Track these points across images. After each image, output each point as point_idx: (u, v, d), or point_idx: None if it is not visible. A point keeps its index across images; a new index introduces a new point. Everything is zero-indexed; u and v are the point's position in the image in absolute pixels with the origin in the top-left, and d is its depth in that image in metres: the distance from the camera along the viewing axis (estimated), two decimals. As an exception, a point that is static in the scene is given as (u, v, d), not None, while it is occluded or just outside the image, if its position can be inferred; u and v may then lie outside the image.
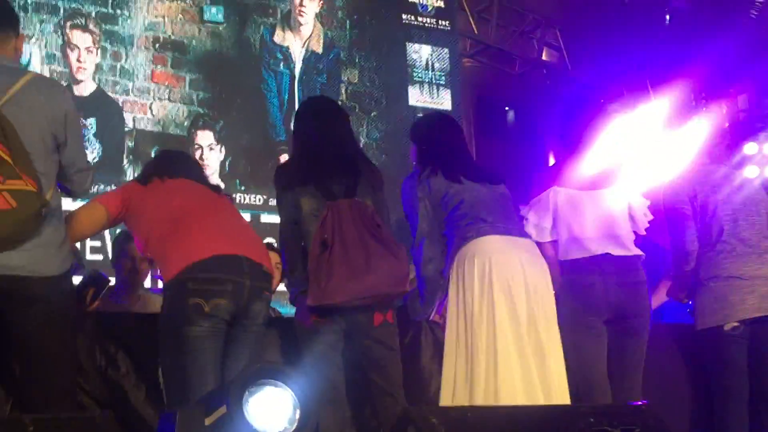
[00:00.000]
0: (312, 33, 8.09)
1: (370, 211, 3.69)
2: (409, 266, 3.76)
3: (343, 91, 8.12)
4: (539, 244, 4.17)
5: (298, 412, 2.67)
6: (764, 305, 4.44)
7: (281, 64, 7.89)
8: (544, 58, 10.86)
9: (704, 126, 5.67)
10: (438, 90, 8.58)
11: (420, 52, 8.62)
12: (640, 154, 5.28)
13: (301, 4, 8.06)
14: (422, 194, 4.00)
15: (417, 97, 8.45)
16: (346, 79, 8.17)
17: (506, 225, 3.95)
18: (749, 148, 10.35)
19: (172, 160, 3.79)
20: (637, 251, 4.35)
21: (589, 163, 4.12)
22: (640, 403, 3.00)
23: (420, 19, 8.74)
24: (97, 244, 6.62)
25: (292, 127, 4.07)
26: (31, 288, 3.03)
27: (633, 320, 4.26)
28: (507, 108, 18.34)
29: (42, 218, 3.03)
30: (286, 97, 7.83)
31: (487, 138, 17.50)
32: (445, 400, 3.78)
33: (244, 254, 3.36)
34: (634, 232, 4.43)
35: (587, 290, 4.19)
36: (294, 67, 7.94)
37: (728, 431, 4.37)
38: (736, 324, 4.43)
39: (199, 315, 3.22)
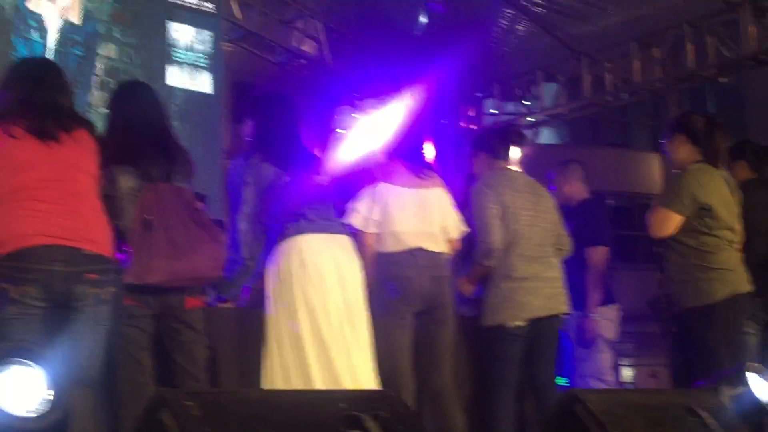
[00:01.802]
0: (70, 3, 7.75)
1: (189, 195, 3.80)
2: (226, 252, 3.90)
3: (99, 65, 7.83)
4: (361, 234, 4.39)
5: (49, 392, 2.60)
6: (547, 305, 4.82)
7: (33, 32, 7.50)
8: (304, 48, 10.94)
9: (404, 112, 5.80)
10: (198, 72, 8.46)
11: (181, 32, 8.45)
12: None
13: (59, -28, 7.70)
14: (250, 179, 4.10)
15: (177, 78, 8.29)
16: (103, 53, 7.87)
17: (325, 222, 4.11)
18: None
19: (31, 82, 3.64)
20: (446, 248, 4.62)
21: (341, 155, 4.23)
22: (386, 390, 3.12)
23: (184, -1, 8.57)
24: None
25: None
26: None
27: (442, 311, 4.55)
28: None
29: None
30: (39, 67, 7.45)
31: (241, 124, 17.51)
32: (266, 385, 3.93)
33: (58, 242, 3.39)
34: None
35: (403, 282, 4.43)
36: (47, 36, 7.57)
37: (497, 418, 4.64)
38: (521, 323, 4.76)
39: (6, 299, 3.30)
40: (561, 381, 5.52)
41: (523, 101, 11.44)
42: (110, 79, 7.78)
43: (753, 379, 4.02)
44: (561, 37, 10.13)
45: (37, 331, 3.33)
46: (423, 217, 4.57)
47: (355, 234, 4.41)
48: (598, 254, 5.98)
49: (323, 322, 3.96)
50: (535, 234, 4.87)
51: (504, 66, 10.85)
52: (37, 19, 7.55)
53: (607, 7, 9.53)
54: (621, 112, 21.42)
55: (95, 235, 3.52)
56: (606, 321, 6.02)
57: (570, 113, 11.41)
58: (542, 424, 3.66)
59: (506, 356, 4.77)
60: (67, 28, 7.72)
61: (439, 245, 4.60)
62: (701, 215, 4.61)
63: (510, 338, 4.75)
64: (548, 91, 11.18)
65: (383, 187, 4.56)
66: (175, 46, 8.37)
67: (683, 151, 4.84)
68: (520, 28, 10.33)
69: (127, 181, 3.71)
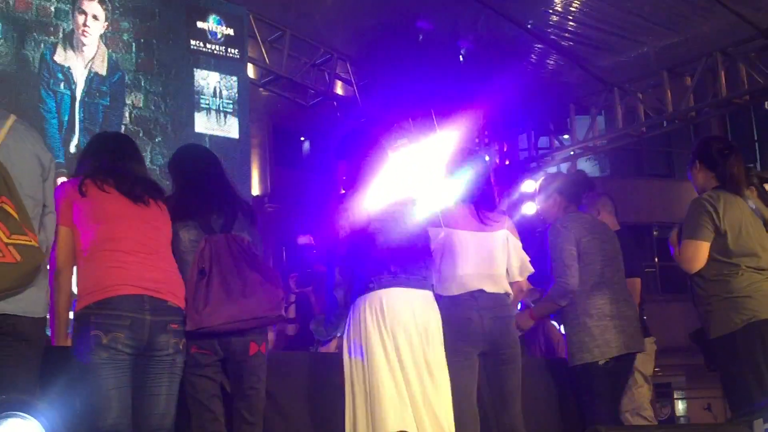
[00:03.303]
0: (96, 54, 7.87)
1: (246, 242, 3.97)
2: (283, 292, 4.06)
3: (127, 114, 7.93)
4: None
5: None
6: (629, 343, 5.06)
7: (62, 85, 7.63)
8: (337, 91, 11.01)
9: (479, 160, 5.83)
10: (225, 117, 8.52)
11: (208, 79, 8.54)
12: (425, 185, 5.43)
13: (84, 24, 7.84)
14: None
15: (204, 124, 8.36)
16: (130, 102, 7.98)
17: (407, 276, 4.14)
18: (527, 186, 10.93)
19: (111, 152, 3.92)
20: (508, 289, 4.71)
21: (378, 196, 4.21)
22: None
23: (209, 46, 8.67)
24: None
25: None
26: (21, 326, 3.28)
27: (507, 351, 4.61)
28: (302, 138, 18.56)
29: (40, 270, 3.30)
30: (66, 118, 7.57)
31: (284, 167, 17.64)
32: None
33: (146, 293, 3.59)
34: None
35: (465, 323, 4.50)
36: (75, 89, 7.69)
37: None
38: (607, 360, 4.97)
39: (98, 345, 3.47)
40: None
41: (557, 136, 11.39)
42: (138, 128, 7.89)
43: (787, 412, 3.90)
44: (591, 69, 10.05)
45: (125, 376, 3.53)
46: (485, 259, 4.64)
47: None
48: (632, 286, 5.86)
49: (399, 373, 3.98)
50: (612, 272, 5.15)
51: (536, 101, 10.79)
52: (65, 72, 7.70)
53: (637, 37, 9.45)
54: (664, 141, 21.30)
55: (175, 288, 3.75)
56: (642, 354, 5.88)
57: (605, 145, 11.31)
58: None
59: (598, 393, 5.01)
60: (94, 79, 7.86)
61: (501, 287, 4.68)
62: (717, 241, 4.52)
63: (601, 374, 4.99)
64: (582, 124, 11.11)
65: (447, 232, 4.61)
66: (201, 93, 8.46)
67: (701, 177, 4.79)
68: (551, 62, 10.28)
69: (189, 235, 3.94)
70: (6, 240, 3.16)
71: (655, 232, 21.07)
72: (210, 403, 3.88)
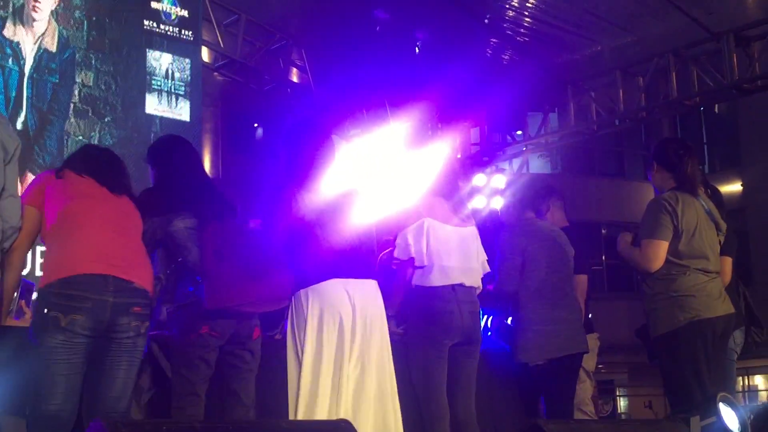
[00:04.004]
0: (46, 30, 7.70)
1: (247, 230, 4.08)
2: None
3: (76, 93, 7.77)
4: (405, 267, 4.55)
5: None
6: (566, 346, 5.17)
7: (10, 60, 7.45)
8: (291, 78, 10.95)
9: (439, 154, 5.86)
10: (177, 100, 8.40)
11: (160, 60, 8.42)
12: (377, 179, 5.45)
13: (35, 0, 7.67)
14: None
15: (155, 106, 8.24)
16: (80, 80, 7.81)
17: (349, 267, 4.13)
18: (478, 179, 10.97)
19: (91, 156, 3.91)
20: (480, 284, 4.77)
21: (324, 188, 4.19)
22: (339, 420, 3.05)
23: (162, 26, 8.52)
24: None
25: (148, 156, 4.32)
26: None
27: (475, 345, 4.68)
28: (256, 125, 18.41)
29: None
30: (14, 94, 7.40)
31: (236, 153, 17.49)
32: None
33: (112, 273, 3.52)
34: None
35: (447, 315, 4.53)
36: (24, 64, 7.52)
37: None
38: (546, 361, 5.11)
39: (55, 327, 3.39)
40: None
41: (510, 131, 11.44)
42: (87, 107, 7.74)
43: (724, 409, 3.96)
44: (546, 66, 10.12)
45: (79, 360, 3.46)
46: (464, 253, 4.70)
47: (397, 268, 4.57)
48: (579, 283, 5.90)
49: (335, 363, 3.96)
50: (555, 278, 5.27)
51: (489, 95, 10.83)
52: (14, 47, 7.51)
53: (592, 36, 9.52)
54: (615, 141, 21.48)
55: (141, 270, 3.68)
56: (586, 350, 5.93)
57: (557, 142, 11.38)
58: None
59: (539, 390, 5.24)
60: (44, 56, 7.69)
61: (475, 281, 4.74)
62: (672, 242, 4.57)
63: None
64: (534, 121, 11.17)
65: (430, 223, 4.64)
66: (153, 74, 8.34)
67: (658, 178, 4.84)
68: (506, 57, 10.33)
69: (184, 223, 3.94)
70: None
71: (603, 231, 21.22)
72: (200, 387, 3.89)
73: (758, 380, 22.13)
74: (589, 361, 6.01)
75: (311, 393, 3.87)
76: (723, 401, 3.96)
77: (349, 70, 10.48)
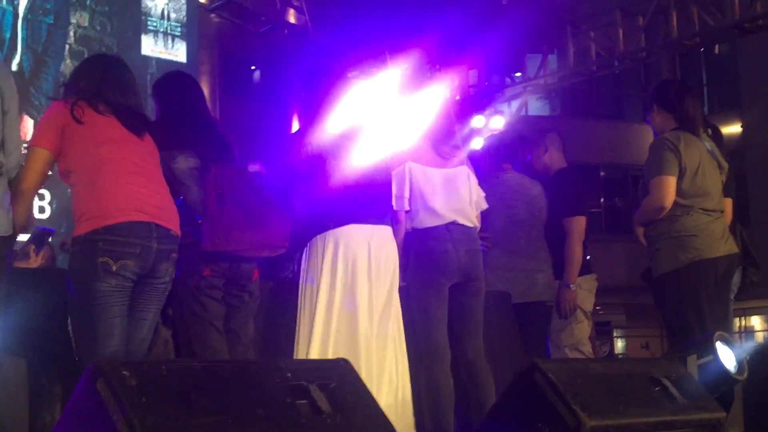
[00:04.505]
0: (40, -31, 7.64)
1: (249, 174, 4.08)
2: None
3: (71, 34, 7.71)
4: (395, 212, 4.51)
5: None
6: (520, 293, 5.49)
7: (4, 1, 7.38)
8: (288, 19, 10.84)
9: (437, 96, 5.85)
10: (173, 41, 8.34)
11: (156, 1, 8.33)
12: (380, 120, 5.49)
13: (30, -60, 7.57)
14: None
15: (151, 47, 8.18)
16: (75, 21, 7.74)
17: (366, 212, 4.17)
18: (477, 121, 10.92)
19: (107, 76, 3.79)
20: (476, 222, 4.78)
21: (333, 128, 4.19)
22: (337, 359, 3.05)
23: (157, -34, 8.44)
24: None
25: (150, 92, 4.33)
26: None
27: (476, 282, 4.67)
28: (253, 67, 18.29)
29: None
30: (8, 35, 7.34)
31: (232, 96, 17.40)
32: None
33: (153, 221, 3.57)
34: None
35: (441, 255, 4.54)
36: (18, 5, 7.44)
37: None
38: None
39: (107, 272, 3.44)
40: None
41: (508, 73, 11.37)
42: (83, 48, 7.67)
43: (721, 348, 3.98)
44: (545, 7, 10.02)
45: (127, 304, 3.54)
46: (453, 193, 4.69)
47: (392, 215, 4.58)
48: (576, 224, 5.89)
49: (348, 307, 4.04)
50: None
51: (488, 36, 10.74)
52: (8, -14, 7.45)
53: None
54: (614, 83, 21.37)
55: (174, 216, 3.72)
56: (584, 291, 5.94)
57: (555, 83, 11.31)
58: (503, 393, 3.61)
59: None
60: (38, -4, 7.61)
61: (470, 220, 4.73)
62: (677, 181, 4.57)
63: None
64: (533, 63, 11.09)
65: (413, 167, 4.65)
66: (149, 15, 8.25)
67: (659, 119, 4.83)
68: (505, -4, 10.23)
69: (187, 162, 3.93)
70: None
71: (602, 173, 21.24)
72: (218, 323, 3.95)
73: (755, 321, 22.28)
74: (587, 302, 6.03)
75: (323, 338, 3.95)
76: (720, 340, 3.98)
77: (346, 10, 10.38)
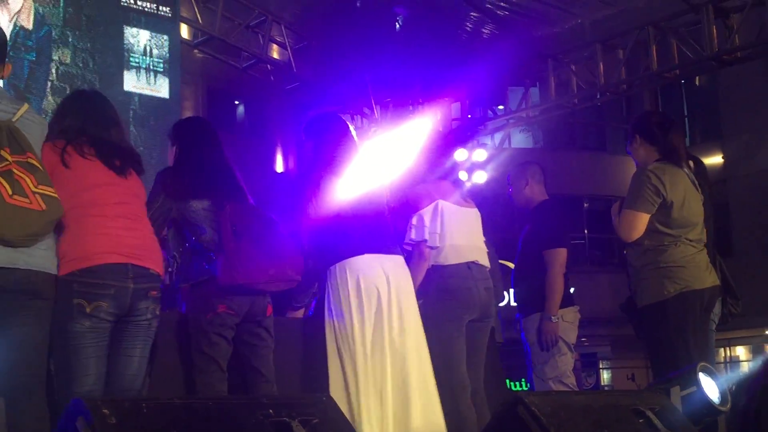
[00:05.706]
0: (22, 7, 7.59)
1: (260, 210, 4.14)
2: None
3: (53, 71, 7.70)
4: (423, 247, 4.69)
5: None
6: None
7: (-15, 39, 7.37)
8: (271, 54, 10.89)
9: (422, 130, 5.90)
10: (156, 77, 8.34)
11: (138, 37, 8.34)
12: (372, 155, 5.62)
13: (10, -23, 7.57)
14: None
15: (133, 83, 8.17)
16: (57, 58, 7.73)
17: (378, 243, 4.31)
18: (459, 154, 10.95)
19: (89, 113, 3.87)
20: (488, 264, 4.93)
21: (350, 182, 4.35)
22: (320, 394, 3.05)
23: (140, 3, 8.43)
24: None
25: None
26: (39, 283, 3.45)
27: (489, 320, 4.89)
28: (236, 102, 18.37)
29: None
30: (-10, 72, 7.33)
31: (217, 130, 17.45)
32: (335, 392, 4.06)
33: (130, 261, 3.65)
34: None
35: (467, 292, 4.71)
36: (-1, 43, 7.44)
37: None
38: None
39: (81, 314, 3.52)
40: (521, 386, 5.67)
41: (491, 106, 11.43)
42: (65, 85, 7.66)
43: (704, 380, 3.98)
44: (526, 40, 10.10)
45: (104, 343, 3.60)
46: (473, 232, 4.91)
47: (412, 249, 4.72)
48: (558, 256, 5.90)
49: (374, 334, 4.14)
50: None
51: (470, 70, 10.81)
52: (-11, 25, 7.43)
53: (571, 9, 9.51)
54: (596, 115, 21.50)
55: (155, 255, 3.80)
56: (566, 323, 5.94)
57: (538, 116, 11.38)
58: (486, 427, 3.61)
59: None
60: (19, 33, 7.59)
61: (485, 260, 4.91)
62: (661, 212, 4.59)
63: None
64: (515, 95, 11.16)
65: (442, 204, 4.79)
66: (131, 51, 8.25)
67: (642, 151, 4.85)
68: (486, 31, 10.30)
69: (201, 204, 4.05)
70: (33, 189, 3.33)
71: (585, 204, 21.31)
72: (222, 363, 3.99)
73: (740, 351, 22.32)
74: (570, 333, 6.03)
75: (365, 376, 4.05)
76: (703, 371, 3.98)
77: (329, 46, 10.44)
